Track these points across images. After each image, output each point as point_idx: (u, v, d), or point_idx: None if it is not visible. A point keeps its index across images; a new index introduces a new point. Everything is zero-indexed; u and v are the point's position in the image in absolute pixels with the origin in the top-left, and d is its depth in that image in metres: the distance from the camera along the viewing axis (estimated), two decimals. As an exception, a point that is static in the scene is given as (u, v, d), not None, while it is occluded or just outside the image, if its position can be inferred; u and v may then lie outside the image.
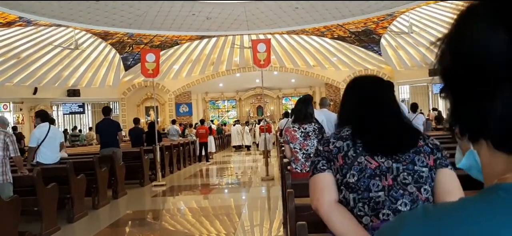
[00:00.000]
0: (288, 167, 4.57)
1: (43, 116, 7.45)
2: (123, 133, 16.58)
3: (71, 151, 12.14)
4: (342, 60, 21.55)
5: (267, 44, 11.10)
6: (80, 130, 21.13)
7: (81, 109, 23.00)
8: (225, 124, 25.26)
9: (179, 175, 12.53)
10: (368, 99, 1.73)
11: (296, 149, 4.25)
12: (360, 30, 18.37)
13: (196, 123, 19.51)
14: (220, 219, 6.75)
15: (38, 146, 7.04)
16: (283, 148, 7.09)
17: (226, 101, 28.23)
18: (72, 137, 19.44)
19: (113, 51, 19.42)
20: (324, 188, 1.58)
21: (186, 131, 17.31)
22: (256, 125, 22.05)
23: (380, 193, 1.50)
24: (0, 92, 17.87)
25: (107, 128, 9.14)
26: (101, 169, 7.94)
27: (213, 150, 17.45)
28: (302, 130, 4.24)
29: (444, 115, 18.34)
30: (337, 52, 21.07)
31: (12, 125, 17.47)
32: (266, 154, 11.30)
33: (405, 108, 9.74)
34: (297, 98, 27.23)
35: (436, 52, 0.61)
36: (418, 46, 18.95)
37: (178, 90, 24.89)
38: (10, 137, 5.35)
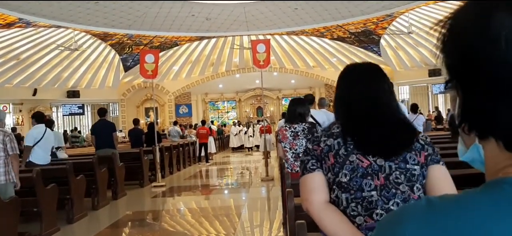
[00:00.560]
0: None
1: (39, 118, 7.45)
2: (123, 134, 16.63)
3: (71, 152, 12.13)
4: (342, 61, 21.54)
5: (266, 45, 11.10)
6: (79, 131, 21.11)
7: (81, 110, 23.01)
8: (225, 125, 25.26)
9: (178, 176, 12.52)
10: (357, 92, 1.64)
11: (286, 149, 4.33)
12: (359, 30, 18.38)
13: (196, 124, 19.51)
14: (220, 219, 6.75)
15: (33, 145, 7.04)
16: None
17: (226, 102, 28.22)
18: (72, 138, 19.43)
19: (113, 52, 19.42)
20: (314, 189, 1.54)
21: (186, 132, 17.31)
22: (256, 125, 22.01)
23: (373, 193, 1.47)
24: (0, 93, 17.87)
25: (102, 129, 9.15)
26: (101, 169, 7.94)
27: (213, 151, 17.45)
28: (292, 129, 4.31)
29: (444, 115, 18.36)
30: (336, 53, 21.09)
31: (12, 126, 17.47)
32: (266, 155, 11.30)
33: (404, 108, 9.73)
34: (296, 99, 27.40)
35: (439, 40, 0.60)
36: (417, 47, 18.97)
37: (178, 91, 24.89)
38: (9, 136, 5.32)
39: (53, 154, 8.75)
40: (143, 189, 9.98)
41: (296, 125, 4.31)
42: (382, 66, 1.82)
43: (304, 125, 4.32)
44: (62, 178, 6.64)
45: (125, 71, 20.99)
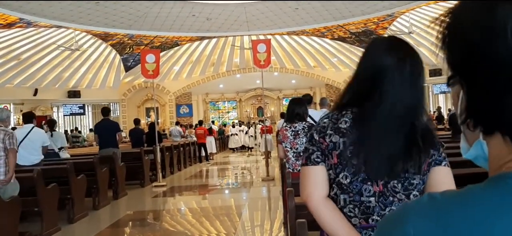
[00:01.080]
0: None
1: (26, 118, 7.40)
2: (124, 134, 16.62)
3: (72, 151, 12.13)
4: (343, 61, 21.55)
5: (267, 45, 11.11)
6: (79, 131, 21.14)
7: (82, 110, 23.03)
8: (225, 125, 25.27)
9: (179, 175, 12.52)
10: (377, 83, 1.43)
11: (287, 148, 4.34)
12: (360, 30, 18.38)
13: (196, 124, 19.53)
14: (220, 219, 6.75)
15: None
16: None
17: (226, 102, 28.24)
18: (73, 138, 19.45)
19: (114, 52, 19.44)
20: (317, 183, 1.51)
21: (186, 132, 17.33)
22: (257, 126, 21.98)
23: (371, 199, 1.46)
24: (0, 93, 17.88)
25: (106, 128, 9.13)
26: (102, 169, 7.94)
27: (214, 150, 17.46)
28: (293, 129, 4.32)
29: (445, 115, 18.34)
30: (337, 53, 21.08)
31: (12, 126, 17.47)
32: (266, 154, 11.31)
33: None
34: (297, 99, 27.34)
35: (440, 36, 0.59)
36: (418, 47, 18.94)
37: (179, 91, 24.91)
38: (9, 134, 5.30)
39: (56, 154, 8.75)
40: (144, 189, 9.98)
41: (296, 124, 4.32)
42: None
43: (304, 124, 4.33)
44: (62, 178, 6.64)
45: (126, 71, 21.00)
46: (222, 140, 21.92)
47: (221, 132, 21.96)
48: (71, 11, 14.43)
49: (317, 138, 1.53)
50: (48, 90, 20.07)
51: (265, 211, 7.42)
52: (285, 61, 22.66)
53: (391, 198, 1.46)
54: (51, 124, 9.15)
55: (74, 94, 21.50)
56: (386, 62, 1.43)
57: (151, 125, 12.61)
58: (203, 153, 16.11)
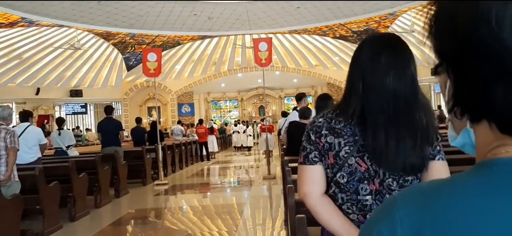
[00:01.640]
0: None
1: (23, 116, 7.39)
2: (126, 133, 16.64)
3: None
4: (344, 60, 21.52)
5: (268, 43, 11.11)
6: (80, 130, 21.17)
7: (84, 109, 23.06)
8: (227, 124, 25.29)
9: (181, 174, 12.55)
10: (373, 78, 1.44)
11: None
12: (362, 29, 18.36)
13: (197, 123, 19.54)
14: (222, 217, 6.76)
15: None
16: (283, 145, 7.11)
17: (228, 101, 28.26)
18: (75, 137, 19.46)
19: (115, 51, 19.46)
20: (314, 181, 1.54)
21: (188, 131, 17.35)
22: (257, 125, 21.93)
23: (368, 197, 1.47)
24: (2, 92, 17.92)
25: (108, 127, 9.16)
26: (103, 168, 7.96)
27: (216, 149, 17.46)
28: None
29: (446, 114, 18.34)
30: (339, 52, 21.06)
31: (13, 125, 17.48)
32: (267, 153, 11.31)
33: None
34: (299, 98, 27.17)
35: (427, 24, 0.59)
36: (420, 45, 18.91)
37: (180, 90, 24.93)
38: (11, 133, 5.32)
39: (64, 153, 8.78)
40: (145, 187, 10.00)
41: None
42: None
43: None
44: (64, 176, 6.66)
45: (128, 70, 21.03)
46: (224, 139, 21.92)
47: (222, 131, 21.96)
48: (73, 10, 14.45)
49: (314, 138, 1.55)
50: (50, 89, 20.10)
51: (267, 209, 7.43)
52: (287, 60, 22.65)
53: (387, 196, 1.47)
54: (59, 123, 9.18)
55: (76, 93, 21.53)
56: (364, 58, 1.47)
57: (153, 124, 12.64)
58: (204, 152, 16.12)
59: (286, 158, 5.53)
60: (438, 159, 1.50)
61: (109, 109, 9.46)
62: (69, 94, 21.46)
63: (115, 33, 17.37)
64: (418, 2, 15.78)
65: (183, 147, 13.83)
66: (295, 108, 8.90)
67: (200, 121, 17.56)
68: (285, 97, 27.29)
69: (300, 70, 23.59)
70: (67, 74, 20.08)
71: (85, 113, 23.27)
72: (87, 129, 21.32)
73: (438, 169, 1.48)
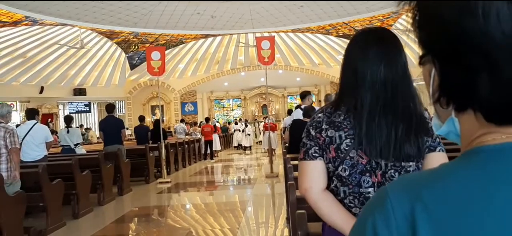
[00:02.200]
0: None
1: (29, 114, 7.44)
2: (129, 132, 16.71)
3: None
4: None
5: (271, 41, 11.12)
6: (84, 128, 21.21)
7: (87, 108, 23.14)
8: (230, 123, 25.33)
9: (184, 172, 12.58)
10: (365, 72, 1.47)
11: None
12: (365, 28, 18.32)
13: (201, 122, 19.55)
14: (224, 215, 6.77)
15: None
16: (286, 144, 7.13)
17: (231, 100, 28.28)
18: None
19: (119, 50, 19.51)
20: (315, 177, 1.54)
21: (191, 129, 17.38)
22: (259, 123, 21.80)
23: (370, 189, 1.48)
24: (7, 91, 18.00)
25: (110, 125, 9.19)
26: (107, 165, 7.99)
27: (218, 148, 17.48)
28: None
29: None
30: (342, 50, 20.85)
31: (18, 123, 17.59)
32: (270, 152, 11.33)
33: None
34: (302, 97, 27.09)
35: (411, 14, 0.59)
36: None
37: (184, 89, 24.98)
38: (10, 132, 5.33)
39: (72, 150, 8.83)
40: (148, 185, 10.04)
41: None
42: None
43: None
44: (68, 173, 6.69)
45: (131, 69, 21.07)
46: (226, 138, 21.93)
47: (225, 129, 21.96)
48: (77, 9, 14.50)
49: (314, 134, 1.56)
50: (54, 88, 20.18)
51: (269, 207, 7.44)
52: (290, 58, 22.65)
53: None
54: (68, 121, 9.23)
55: (79, 92, 21.61)
56: (355, 51, 1.52)
57: (156, 122, 12.67)
58: (209, 151, 16.14)
59: (288, 155, 5.55)
60: (439, 151, 1.52)
61: (110, 108, 9.49)
62: (73, 92, 21.54)
63: (119, 32, 17.42)
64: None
65: (186, 146, 13.86)
66: (298, 106, 8.90)
67: (207, 119, 17.58)
68: (288, 95, 27.27)
69: (303, 68, 23.58)
70: (70, 73, 20.16)
71: (89, 111, 23.36)
72: (87, 129, 21.33)
73: (439, 160, 1.48)
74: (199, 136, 16.36)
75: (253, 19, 16.98)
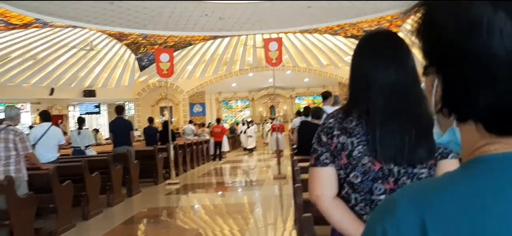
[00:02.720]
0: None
1: (44, 116, 7.54)
2: (138, 133, 16.81)
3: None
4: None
5: (278, 43, 11.13)
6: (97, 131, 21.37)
7: (97, 109, 23.31)
8: (237, 124, 25.35)
9: (192, 173, 12.63)
10: (374, 75, 1.45)
11: None
12: (373, 28, 18.25)
13: (210, 123, 19.58)
14: (233, 216, 6.80)
15: (34, 144, 7.07)
16: (293, 145, 7.13)
17: (239, 101, 28.29)
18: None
19: (128, 51, 19.62)
20: (326, 184, 1.52)
21: (199, 131, 17.44)
22: (266, 124, 21.60)
23: (382, 197, 1.45)
24: (17, 92, 18.18)
25: (120, 127, 9.25)
26: (116, 167, 8.05)
27: (226, 149, 17.50)
28: None
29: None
30: (350, 51, 20.95)
31: (29, 125, 17.77)
32: (278, 153, 11.33)
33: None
34: (310, 98, 26.86)
35: (415, 26, 0.61)
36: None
37: (192, 90, 25.05)
38: (19, 135, 5.41)
39: (82, 152, 8.91)
40: (157, 186, 10.09)
41: None
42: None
43: None
44: (77, 175, 6.75)
45: (140, 70, 21.18)
46: (234, 139, 21.95)
47: (233, 130, 21.98)
48: (86, 11, 14.61)
49: (325, 140, 1.53)
50: (64, 89, 20.35)
51: (278, 209, 7.45)
52: (298, 59, 22.62)
53: None
54: (80, 122, 9.32)
55: (89, 93, 21.76)
56: (364, 55, 1.51)
57: (165, 124, 12.73)
58: (218, 151, 16.19)
59: (295, 157, 5.57)
60: (451, 158, 1.50)
61: (120, 109, 9.55)
62: (83, 94, 21.69)
63: (128, 33, 17.52)
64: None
65: (195, 147, 13.91)
66: (298, 112, 8.86)
67: (217, 120, 17.63)
68: (296, 96, 27.23)
69: (311, 69, 23.52)
70: (80, 75, 20.31)
71: (99, 113, 23.53)
72: (96, 130, 21.46)
73: (452, 167, 1.45)
74: (207, 137, 16.41)
75: (261, 20, 17.00)
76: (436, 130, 0.69)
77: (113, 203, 7.76)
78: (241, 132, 21.22)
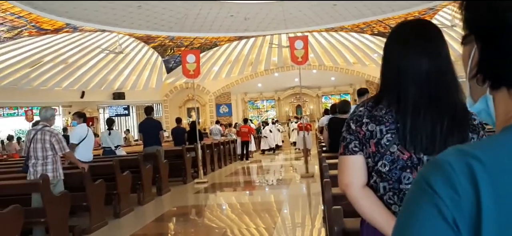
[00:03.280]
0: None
1: (82, 116, 7.77)
2: (166, 134, 17.07)
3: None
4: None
5: (304, 41, 11.08)
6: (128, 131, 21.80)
7: (126, 111, 23.76)
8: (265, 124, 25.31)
9: (220, 173, 12.73)
10: (406, 64, 1.45)
11: None
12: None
13: (236, 123, 19.65)
14: (260, 215, 6.83)
15: (78, 143, 7.30)
16: (321, 143, 7.10)
17: (265, 101, 28.30)
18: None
19: (155, 54, 19.94)
20: (355, 172, 1.51)
21: (226, 131, 17.55)
22: (291, 124, 21.38)
23: (410, 186, 1.43)
24: (50, 96, 18.73)
25: (149, 127, 9.42)
26: (146, 166, 8.20)
27: (253, 149, 17.54)
28: None
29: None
30: (377, 49, 20.69)
31: (62, 127, 18.26)
32: (305, 152, 11.31)
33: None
34: (337, 97, 26.63)
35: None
36: (461, 41, 18.33)
37: (218, 91, 25.24)
38: (55, 136, 5.58)
39: (112, 152, 9.14)
40: (186, 185, 10.22)
41: None
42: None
43: None
44: (109, 174, 6.91)
45: (168, 72, 21.49)
46: (260, 139, 21.93)
47: (259, 130, 21.99)
48: (115, 15, 14.93)
49: (354, 127, 1.52)
50: (94, 92, 20.85)
51: (305, 207, 7.43)
52: (324, 58, 22.49)
53: None
54: (109, 123, 9.56)
55: (118, 95, 22.21)
56: (396, 45, 1.50)
57: (192, 124, 12.87)
58: (245, 151, 16.25)
59: (323, 154, 5.55)
60: None
61: (149, 110, 9.72)
62: (112, 96, 22.16)
63: (155, 36, 17.82)
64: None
65: (222, 147, 14.02)
66: (326, 111, 8.78)
67: (245, 120, 17.70)
68: (322, 95, 27.05)
69: (338, 68, 23.35)
70: (110, 78, 20.77)
71: (128, 115, 23.98)
72: (127, 130, 21.88)
73: None
74: (234, 137, 16.50)
75: (286, 20, 16.99)
76: (468, 100, 0.72)
77: (143, 202, 7.91)
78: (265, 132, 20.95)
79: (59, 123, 19.28)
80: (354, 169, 1.51)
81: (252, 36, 19.59)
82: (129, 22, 15.86)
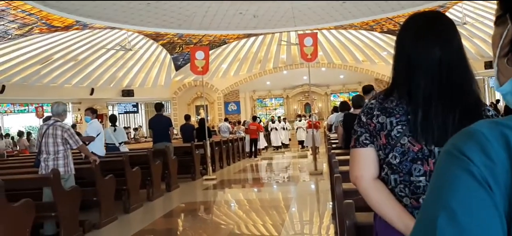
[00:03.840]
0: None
1: (97, 113, 7.86)
2: (175, 131, 17.14)
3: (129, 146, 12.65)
4: (393, 54, 20.98)
5: (314, 38, 11.05)
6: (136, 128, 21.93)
7: (135, 108, 23.88)
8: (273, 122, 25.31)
9: (228, 170, 12.76)
10: (418, 55, 1.44)
11: None
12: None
13: (245, 121, 19.68)
14: (268, 212, 6.83)
15: (97, 135, 7.39)
16: (330, 140, 7.09)
17: (273, 99, 28.25)
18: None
19: (164, 51, 20.01)
20: (366, 164, 1.50)
21: (235, 128, 17.58)
22: (298, 121, 21.26)
23: (421, 178, 1.41)
24: (60, 93, 18.85)
25: (159, 123, 9.47)
26: (155, 162, 8.24)
27: (261, 146, 17.55)
28: None
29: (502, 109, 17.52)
30: (387, 46, 20.58)
31: (72, 123, 18.39)
32: (314, 149, 11.30)
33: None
34: (345, 95, 26.54)
35: None
36: (472, 38, 18.20)
37: (227, 89, 25.26)
38: (67, 131, 5.63)
39: (116, 148, 9.21)
40: (195, 182, 10.26)
41: None
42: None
43: None
44: (119, 170, 6.96)
45: (176, 70, 21.56)
46: (269, 136, 21.96)
47: (267, 128, 22.00)
48: (124, 13, 15.00)
49: (365, 120, 1.52)
50: (103, 89, 20.97)
51: (314, 204, 7.43)
52: (333, 56, 22.42)
53: None
54: (113, 120, 9.63)
55: (128, 93, 22.32)
56: (408, 36, 1.49)
57: (201, 121, 12.90)
58: (253, 148, 16.27)
59: (333, 151, 5.54)
60: None
61: (159, 106, 9.78)
62: (121, 94, 22.27)
63: (164, 33, 17.88)
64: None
65: (230, 144, 14.05)
66: (335, 108, 8.77)
67: (254, 118, 17.74)
68: (331, 93, 26.95)
69: (346, 66, 23.26)
70: (119, 75, 20.87)
71: (137, 112, 24.11)
72: (139, 126, 22.03)
73: None
74: (243, 134, 16.52)
75: (295, 17, 16.96)
76: (495, 81, 0.71)
77: (152, 197, 7.95)
78: (271, 129, 21.03)
79: (69, 120, 19.43)
80: (365, 161, 1.51)
81: (261, 34, 19.57)
82: (138, 19, 15.93)
